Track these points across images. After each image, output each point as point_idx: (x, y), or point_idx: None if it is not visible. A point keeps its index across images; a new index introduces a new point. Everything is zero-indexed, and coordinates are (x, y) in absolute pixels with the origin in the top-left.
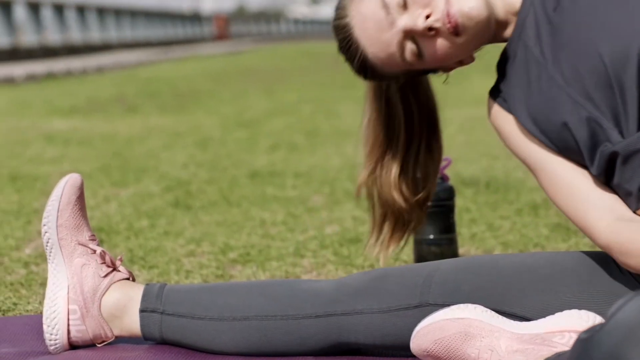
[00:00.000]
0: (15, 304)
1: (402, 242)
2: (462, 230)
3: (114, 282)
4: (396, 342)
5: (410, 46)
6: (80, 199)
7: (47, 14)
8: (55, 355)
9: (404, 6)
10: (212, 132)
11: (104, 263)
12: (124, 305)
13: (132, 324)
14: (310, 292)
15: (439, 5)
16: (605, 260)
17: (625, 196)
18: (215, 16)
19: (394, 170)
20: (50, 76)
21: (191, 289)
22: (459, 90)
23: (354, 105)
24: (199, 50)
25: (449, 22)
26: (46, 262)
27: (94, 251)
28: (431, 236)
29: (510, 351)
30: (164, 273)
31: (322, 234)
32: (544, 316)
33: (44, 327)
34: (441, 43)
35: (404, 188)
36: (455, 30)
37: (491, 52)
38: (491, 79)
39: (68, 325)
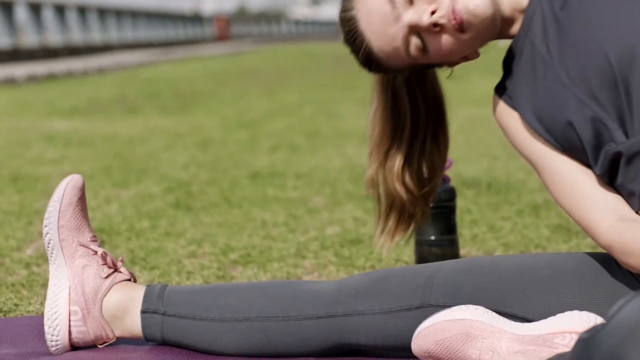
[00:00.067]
0: (16, 305)
1: (406, 234)
2: (463, 231)
3: (116, 283)
4: (397, 343)
5: (415, 41)
6: (82, 200)
7: (48, 14)
8: (57, 356)
9: (410, 1)
10: (213, 133)
11: (106, 264)
12: (125, 306)
13: (133, 325)
14: (311, 293)
15: (444, 2)
16: (606, 261)
17: (628, 196)
18: (216, 17)
19: (398, 162)
20: (51, 77)
21: (192, 290)
22: (459, 90)
23: (354, 107)
24: (199, 51)
25: (454, 19)
26: (47, 263)
27: (96, 252)
28: (432, 237)
29: (511, 352)
30: (165, 274)
31: (323, 235)
32: (545, 317)
33: (45, 328)
34: (446, 39)
35: (408, 180)
36: (460, 27)
37: (491, 54)
38: (491, 80)
39: (69, 326)
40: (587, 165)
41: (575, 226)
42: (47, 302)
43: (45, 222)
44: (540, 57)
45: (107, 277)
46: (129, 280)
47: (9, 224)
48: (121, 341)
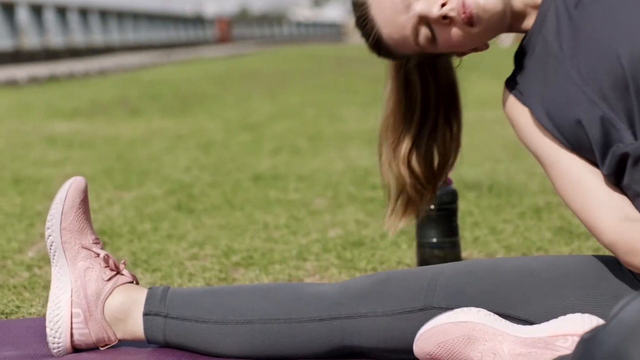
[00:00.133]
0: (18, 307)
1: (413, 218)
2: (465, 233)
3: (118, 286)
4: (399, 346)
5: (424, 31)
6: (84, 202)
7: (49, 16)
8: (58, 358)
9: None
10: (215, 135)
11: (108, 266)
12: (127, 309)
13: (135, 327)
14: (313, 296)
15: None
16: (609, 263)
17: (634, 197)
18: (218, 19)
19: (406, 144)
20: (52, 79)
21: (195, 292)
22: (460, 92)
23: (357, 109)
24: (201, 53)
25: (464, 13)
26: (49, 264)
27: (98, 254)
28: (434, 240)
29: (513, 355)
30: (167, 276)
31: (325, 237)
32: (547, 320)
33: (47, 330)
34: (455, 32)
35: (414, 164)
36: (470, 21)
37: (492, 57)
38: (492, 82)
39: (71, 328)
40: (595, 164)
41: (577, 228)
42: (49, 305)
43: (47, 224)
44: (552, 54)
45: (109, 279)
46: (131, 282)
47: (10, 226)
48: (123, 343)
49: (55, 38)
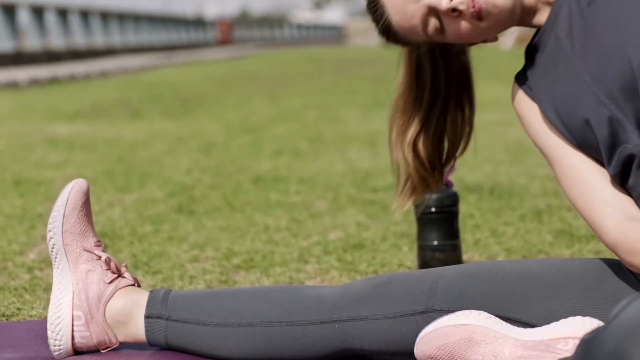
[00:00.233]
0: (19, 309)
1: (420, 199)
2: (466, 236)
3: (119, 289)
4: (401, 348)
5: (433, 22)
6: (86, 204)
7: (50, 18)
8: None
9: None
10: (216, 138)
11: (109, 269)
12: (129, 311)
13: (137, 329)
14: (315, 298)
15: None
16: (610, 266)
17: (638, 198)
18: (219, 21)
19: (413, 128)
20: (53, 81)
21: (196, 295)
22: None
23: (357, 111)
24: (202, 55)
25: (473, 7)
26: (50, 267)
27: (100, 257)
28: (435, 242)
29: (514, 357)
30: (167, 278)
31: (326, 240)
32: (548, 323)
33: (49, 332)
34: (464, 25)
35: (420, 147)
36: (479, 15)
37: (492, 60)
38: (492, 85)
39: (72, 331)
40: (601, 163)
41: (578, 231)
42: (51, 307)
43: (49, 226)
44: (563, 52)
45: (110, 282)
46: (133, 285)
47: (11, 228)
48: (124, 346)
49: (56, 40)
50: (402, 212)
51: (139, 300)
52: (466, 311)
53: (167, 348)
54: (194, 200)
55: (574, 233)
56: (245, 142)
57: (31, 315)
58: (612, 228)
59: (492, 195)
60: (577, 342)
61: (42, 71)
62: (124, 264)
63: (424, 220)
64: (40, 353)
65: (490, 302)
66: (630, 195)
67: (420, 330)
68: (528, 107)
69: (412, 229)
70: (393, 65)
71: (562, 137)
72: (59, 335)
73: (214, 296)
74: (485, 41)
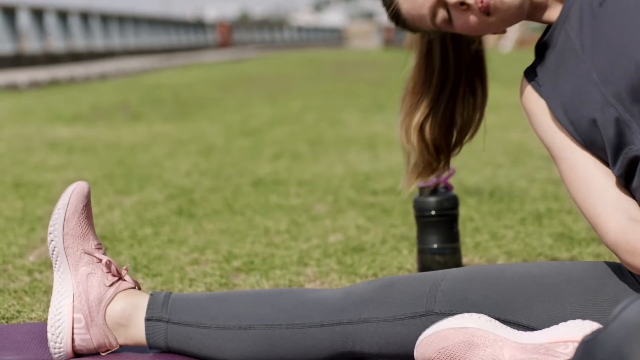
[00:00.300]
0: (19, 312)
1: (428, 180)
2: (466, 239)
3: (120, 291)
4: (401, 351)
5: (442, 13)
6: (87, 207)
7: (50, 20)
8: None
9: None
10: (216, 140)
11: (110, 272)
12: (129, 314)
13: (137, 332)
14: (315, 301)
15: None
16: (610, 270)
17: None
18: (219, 23)
19: (421, 112)
20: (53, 83)
21: (197, 298)
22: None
23: (357, 114)
24: (202, 58)
25: (481, 2)
26: (50, 269)
27: (100, 260)
28: (435, 245)
29: None
30: (167, 281)
31: (326, 243)
32: (549, 326)
33: (49, 335)
34: (472, 18)
35: (427, 131)
36: (487, 10)
37: (492, 62)
38: (492, 87)
39: (72, 333)
40: (606, 163)
41: (578, 235)
42: (51, 310)
43: (50, 229)
44: (573, 50)
45: (111, 285)
46: (133, 288)
47: (11, 231)
48: (124, 349)
49: (56, 42)
50: (409, 192)
51: (139, 303)
52: (466, 314)
53: (168, 351)
54: (194, 203)
55: (574, 236)
56: (245, 145)
57: (31, 318)
58: (613, 228)
59: (492, 198)
60: (576, 345)
61: (41, 73)
62: (124, 267)
63: (424, 223)
64: (40, 356)
65: (490, 305)
66: (633, 196)
67: (420, 334)
68: (536, 103)
69: (412, 232)
70: (393, 68)
71: (569, 135)
72: (59, 337)
73: (215, 299)
74: (493, 32)
